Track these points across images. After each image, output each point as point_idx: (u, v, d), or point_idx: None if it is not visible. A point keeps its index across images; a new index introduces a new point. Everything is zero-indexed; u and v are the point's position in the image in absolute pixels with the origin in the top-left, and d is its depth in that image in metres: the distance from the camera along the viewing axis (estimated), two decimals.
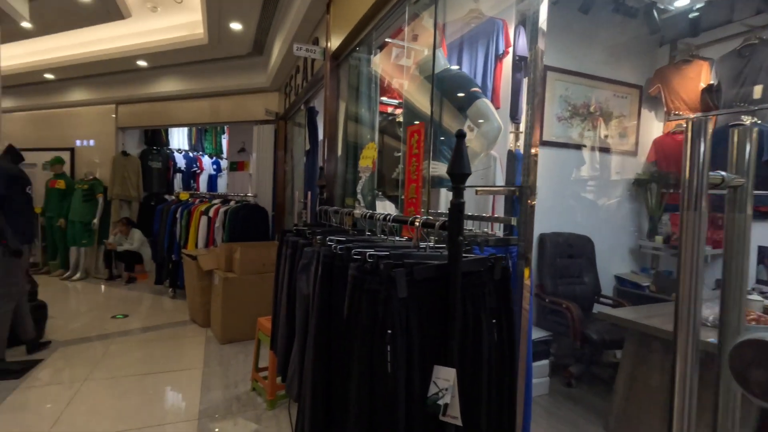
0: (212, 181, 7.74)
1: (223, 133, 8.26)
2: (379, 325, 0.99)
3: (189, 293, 4.39)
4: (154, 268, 5.64)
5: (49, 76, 5.94)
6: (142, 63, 5.19)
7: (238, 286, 3.69)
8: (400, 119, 2.69)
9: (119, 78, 5.84)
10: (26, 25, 4.44)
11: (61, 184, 6.16)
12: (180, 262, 4.99)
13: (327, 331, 1.26)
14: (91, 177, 6.09)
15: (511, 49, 2.45)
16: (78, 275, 6.07)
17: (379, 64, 2.72)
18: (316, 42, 3.23)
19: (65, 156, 6.38)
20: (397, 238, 1.49)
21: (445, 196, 1.94)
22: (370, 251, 1.11)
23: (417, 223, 1.22)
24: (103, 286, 5.80)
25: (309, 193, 3.83)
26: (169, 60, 5.08)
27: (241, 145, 6.54)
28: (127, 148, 6.27)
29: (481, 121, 1.99)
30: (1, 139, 3.24)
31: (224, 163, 8.10)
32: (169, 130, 6.98)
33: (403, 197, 1.90)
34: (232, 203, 5.01)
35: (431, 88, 1.99)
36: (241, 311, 3.71)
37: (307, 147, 3.91)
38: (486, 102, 1.99)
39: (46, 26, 4.56)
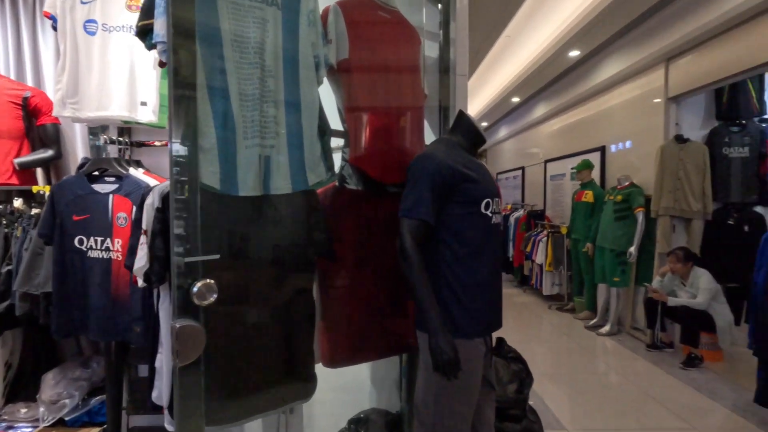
0: None
1: None
2: None
3: None
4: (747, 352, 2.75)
5: (573, 53, 4.50)
6: None
7: None
8: None
9: (669, 12, 3.46)
10: None
11: (588, 196, 4.58)
12: None
13: None
14: (627, 183, 4.06)
15: None
16: (607, 327, 4.19)
17: None
18: None
19: (594, 159, 4.76)
20: None
21: None
22: None
23: None
24: (641, 359, 3.55)
25: None
26: None
27: None
28: (683, 131, 3.74)
29: None
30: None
31: None
32: (767, 82, 3.73)
33: None
34: None
35: None
36: None
37: None
38: None
39: None
